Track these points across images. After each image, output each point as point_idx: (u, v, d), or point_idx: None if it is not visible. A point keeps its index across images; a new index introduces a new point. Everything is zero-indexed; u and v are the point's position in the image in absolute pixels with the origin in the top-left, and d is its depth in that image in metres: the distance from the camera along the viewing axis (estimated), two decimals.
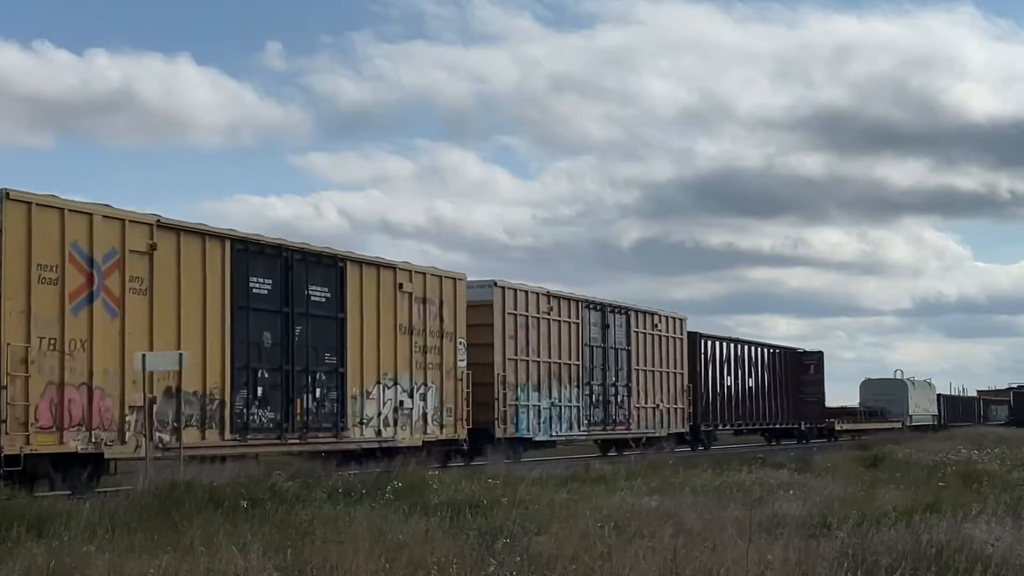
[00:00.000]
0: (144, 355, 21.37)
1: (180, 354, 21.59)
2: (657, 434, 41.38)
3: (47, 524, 13.16)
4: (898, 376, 74.62)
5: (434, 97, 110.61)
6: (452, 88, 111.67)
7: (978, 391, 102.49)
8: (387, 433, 27.70)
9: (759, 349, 54.16)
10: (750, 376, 52.16)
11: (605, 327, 38.61)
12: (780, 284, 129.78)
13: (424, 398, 29.11)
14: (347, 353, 26.73)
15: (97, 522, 13.29)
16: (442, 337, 30.02)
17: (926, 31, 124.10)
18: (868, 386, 73.85)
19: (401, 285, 28.54)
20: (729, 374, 49.89)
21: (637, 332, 40.74)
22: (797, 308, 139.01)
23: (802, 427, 56.76)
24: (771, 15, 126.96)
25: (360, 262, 27.44)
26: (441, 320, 30.02)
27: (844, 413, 65.98)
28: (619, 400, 39.57)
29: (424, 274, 29.85)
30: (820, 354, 59.98)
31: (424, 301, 29.42)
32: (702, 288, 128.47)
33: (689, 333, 45.35)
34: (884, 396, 70.81)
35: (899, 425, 67.27)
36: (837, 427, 61.19)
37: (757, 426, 52.88)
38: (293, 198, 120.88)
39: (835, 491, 17.68)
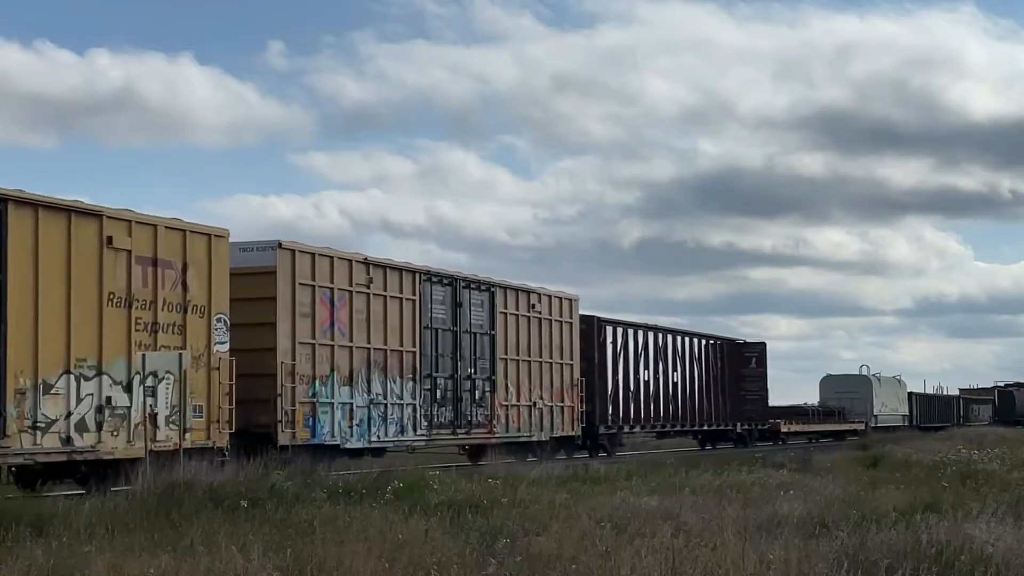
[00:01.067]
0: (144, 355, 21.37)
1: (180, 354, 21.59)
2: (534, 437, 33.77)
3: (47, 524, 13.16)
4: (863, 372, 68.74)
5: (436, 97, 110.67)
6: (454, 88, 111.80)
7: (960, 390, 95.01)
8: (83, 441, 20.16)
9: (687, 339, 47.03)
10: (675, 370, 45.00)
11: (457, 306, 30.68)
12: (781, 284, 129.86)
13: (153, 393, 21.72)
14: (5, 329, 19.22)
15: (97, 522, 13.30)
16: (186, 312, 22.54)
17: (927, 31, 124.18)
18: (828, 383, 67.82)
19: (111, 239, 21.05)
20: (647, 367, 42.51)
21: (505, 313, 32.80)
22: (798, 308, 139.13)
23: (739, 428, 49.96)
24: (772, 15, 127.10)
25: (36, 204, 19.82)
26: (184, 289, 22.51)
27: (793, 413, 58.94)
28: (477, 397, 31.48)
29: (155, 226, 22.06)
30: (762, 345, 52.46)
31: (155, 263, 21.95)
32: (703, 288, 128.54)
33: (585, 317, 38.04)
34: (846, 394, 64.83)
35: (861, 426, 61.99)
36: (783, 429, 54.22)
37: (686, 428, 46.12)
38: (294, 198, 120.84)
39: (835, 491, 17.68)
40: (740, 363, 50.70)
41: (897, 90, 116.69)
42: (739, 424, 49.93)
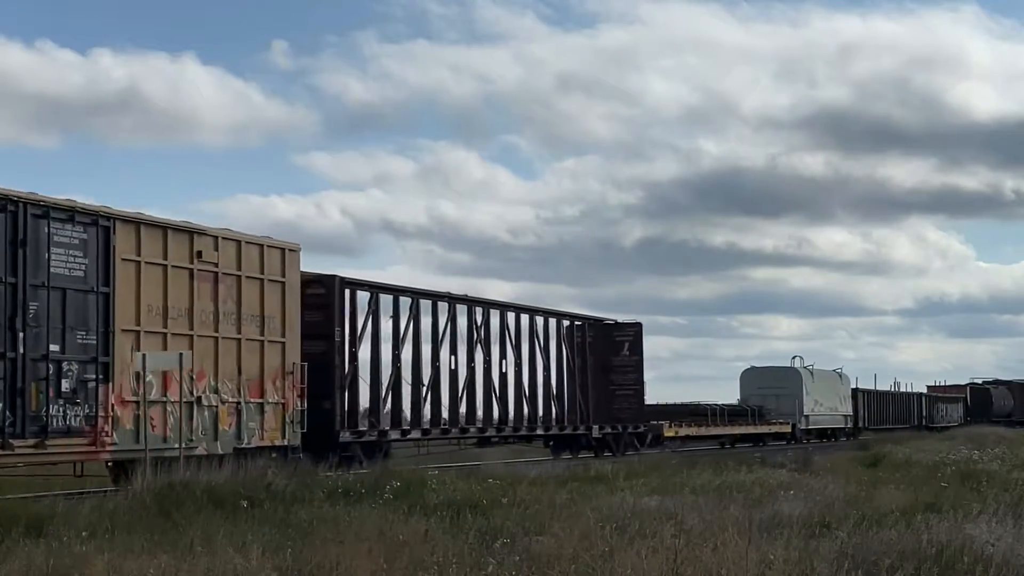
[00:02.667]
0: (144, 355, 21.36)
1: (180, 354, 21.58)
2: (198, 449, 22.63)
3: (46, 524, 13.15)
4: (796, 364, 58.23)
5: (440, 97, 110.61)
6: (458, 87, 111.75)
7: (928, 387, 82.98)
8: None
9: (526, 316, 36.37)
10: (504, 356, 34.64)
11: (19, 245, 19.43)
12: (783, 284, 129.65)
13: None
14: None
15: (96, 522, 13.28)
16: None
17: (929, 30, 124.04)
18: (750, 377, 57.26)
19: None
20: (453, 353, 32.09)
21: (136, 262, 21.83)
22: (800, 308, 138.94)
23: (598, 432, 38.86)
24: (774, 14, 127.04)
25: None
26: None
27: (684, 413, 48.51)
28: (67, 388, 20.30)
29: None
30: (637, 327, 41.40)
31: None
32: (705, 288, 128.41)
33: (322, 278, 27.65)
34: (771, 390, 54.96)
35: (787, 428, 53.66)
36: (669, 432, 44.03)
37: (521, 432, 35.41)
38: (295, 197, 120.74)
39: (835, 491, 17.67)
40: (609, 349, 40.53)
41: (899, 90, 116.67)
42: (603, 426, 39.25)
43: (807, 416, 55.92)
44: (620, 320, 42.40)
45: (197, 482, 16.29)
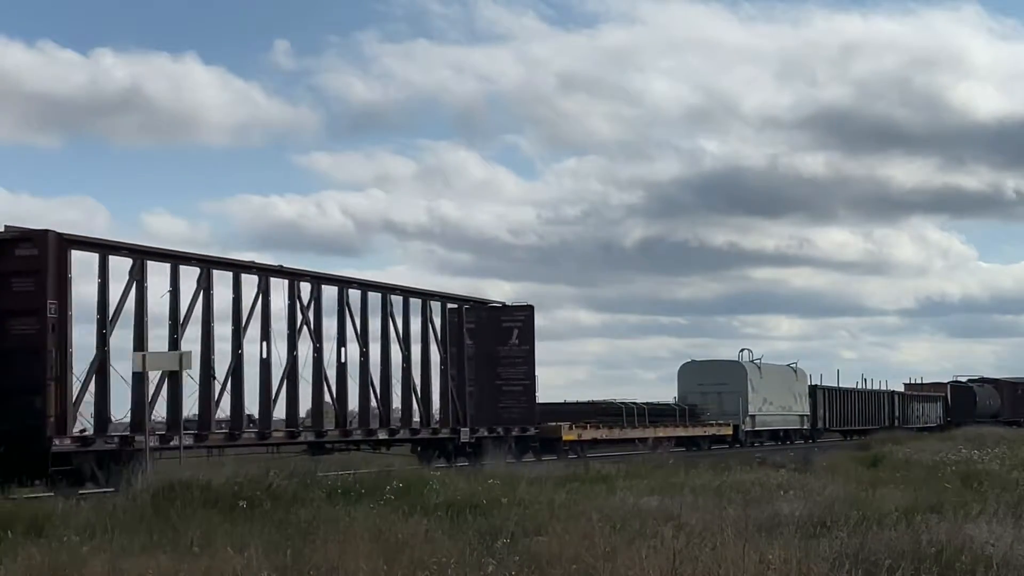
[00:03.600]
0: (144, 355, 21.37)
1: (180, 354, 21.59)
2: None
3: (45, 524, 13.14)
4: (744, 357, 52.36)
5: (442, 96, 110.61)
6: (460, 87, 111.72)
7: (904, 384, 76.44)
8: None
9: (376, 294, 30.84)
10: (344, 344, 29.15)
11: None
12: (784, 284, 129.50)
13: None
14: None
15: (95, 522, 13.27)
16: None
17: (931, 30, 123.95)
18: (689, 373, 50.88)
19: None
20: (266, 338, 26.71)
21: None
22: (801, 308, 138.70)
23: (464, 435, 32.35)
24: (776, 14, 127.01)
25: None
26: None
27: (591, 412, 41.16)
28: None
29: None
30: (529, 311, 35.31)
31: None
32: (706, 288, 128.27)
33: (35, 234, 21.65)
34: (712, 387, 48.93)
35: (727, 431, 47.49)
36: (568, 435, 37.28)
37: (370, 435, 29.84)
38: (295, 197, 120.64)
39: (835, 491, 17.66)
40: (495, 337, 34.94)
41: (901, 89, 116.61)
42: (477, 429, 32.94)
43: (753, 416, 49.81)
44: (509, 303, 36.20)
45: (196, 482, 16.28)
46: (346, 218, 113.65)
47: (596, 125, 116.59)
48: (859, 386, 66.65)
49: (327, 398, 28.73)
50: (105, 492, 18.62)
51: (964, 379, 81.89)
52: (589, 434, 39.04)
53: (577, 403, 42.76)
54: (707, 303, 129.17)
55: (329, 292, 28.97)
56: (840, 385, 63.55)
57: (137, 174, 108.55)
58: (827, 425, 58.08)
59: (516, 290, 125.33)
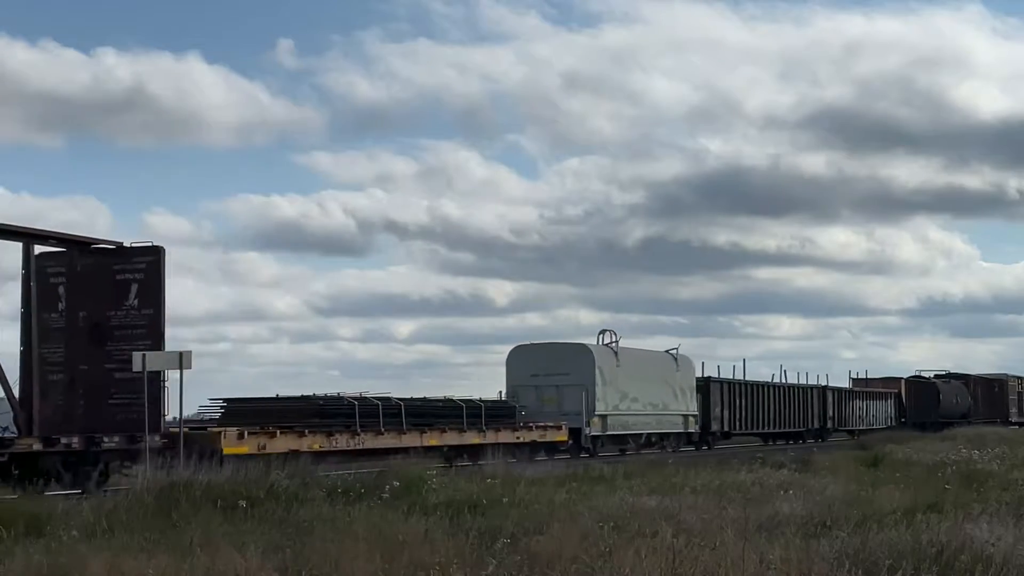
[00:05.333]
0: (144, 355, 21.35)
1: (180, 354, 21.57)
2: None
3: (46, 524, 13.14)
4: (603, 340, 41.05)
5: (445, 96, 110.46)
6: (463, 87, 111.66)
7: (852, 379, 65.07)
8: None
9: None
10: None
11: None
12: (786, 284, 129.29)
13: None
14: None
15: (95, 522, 13.27)
16: None
17: (934, 29, 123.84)
18: (520, 360, 39.03)
19: None
20: None
21: None
22: (802, 308, 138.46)
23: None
24: (778, 13, 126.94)
25: None
26: None
27: (280, 412, 28.92)
28: None
29: None
30: (156, 255, 23.64)
31: None
32: (708, 288, 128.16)
33: None
34: (550, 379, 37.84)
35: (559, 437, 35.76)
36: (232, 448, 24.71)
37: None
38: (296, 197, 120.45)
39: (835, 491, 17.67)
40: (104, 296, 23.80)
41: (904, 89, 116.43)
42: (54, 441, 21.73)
43: (604, 416, 38.63)
44: (129, 244, 24.31)
45: (197, 481, 16.28)
46: (348, 218, 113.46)
47: (598, 125, 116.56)
48: (780, 379, 54.58)
49: None
50: (104, 492, 18.61)
51: (930, 374, 72.74)
52: (283, 444, 26.50)
53: (303, 397, 30.53)
54: (708, 303, 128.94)
55: None
56: (746, 379, 50.53)
57: (139, 174, 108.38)
58: (731, 427, 47.55)
59: (518, 290, 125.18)
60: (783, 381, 54.02)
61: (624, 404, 40.19)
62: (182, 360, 21.72)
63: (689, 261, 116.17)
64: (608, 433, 39.14)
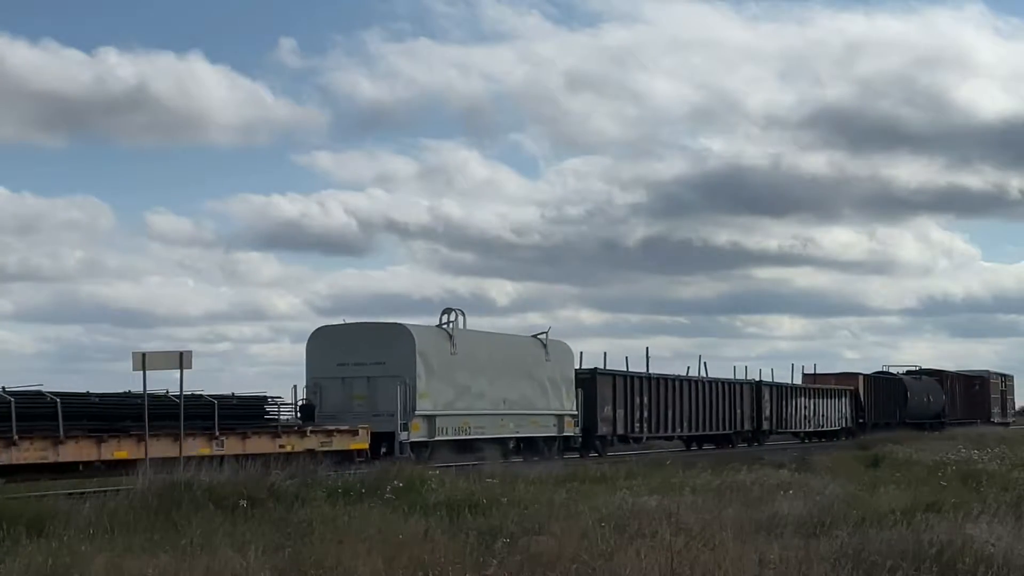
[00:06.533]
0: (144, 355, 21.36)
1: (180, 354, 21.57)
2: None
3: (47, 523, 13.14)
4: (448, 321, 32.03)
5: (447, 96, 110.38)
6: (465, 86, 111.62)
7: (804, 374, 55.92)
8: None
9: None
10: None
11: None
12: (787, 283, 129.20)
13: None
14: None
15: (96, 521, 13.28)
16: None
17: (935, 29, 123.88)
18: (323, 345, 30.85)
19: None
20: None
21: None
22: (803, 308, 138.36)
23: None
24: (779, 13, 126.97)
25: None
26: None
27: None
28: None
29: None
30: None
31: None
32: (709, 287, 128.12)
33: None
34: (360, 368, 29.96)
35: (358, 444, 28.31)
36: None
37: None
38: (297, 196, 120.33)
39: (835, 491, 17.66)
40: None
41: (905, 89, 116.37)
42: None
43: (431, 416, 30.27)
44: None
45: (198, 481, 16.28)
46: (348, 217, 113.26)
47: (600, 124, 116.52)
48: (698, 374, 45.07)
49: None
50: (104, 492, 18.60)
51: (900, 370, 66.19)
52: None
53: None
54: (709, 303, 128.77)
55: None
56: (650, 373, 41.14)
57: (141, 173, 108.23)
58: (627, 430, 38.67)
59: (519, 290, 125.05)
60: (703, 376, 44.97)
61: (462, 402, 31.46)
62: (182, 360, 21.74)
63: (690, 261, 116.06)
64: (439, 439, 30.32)
